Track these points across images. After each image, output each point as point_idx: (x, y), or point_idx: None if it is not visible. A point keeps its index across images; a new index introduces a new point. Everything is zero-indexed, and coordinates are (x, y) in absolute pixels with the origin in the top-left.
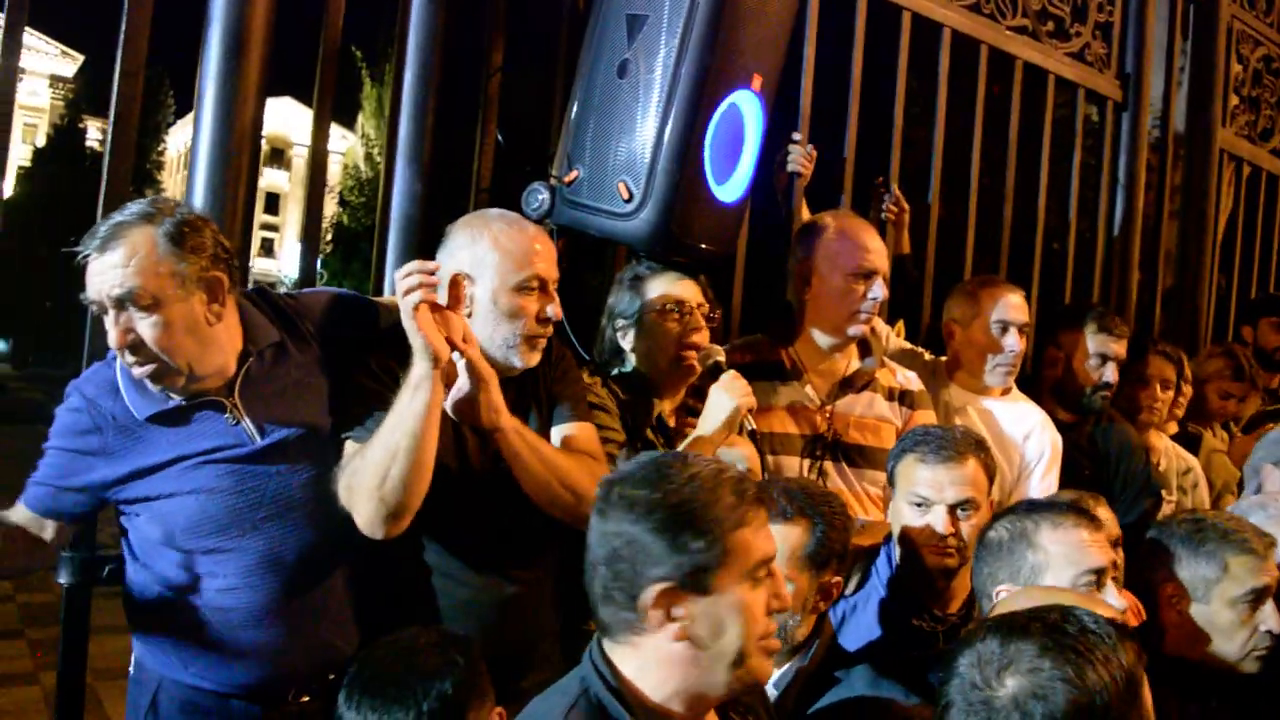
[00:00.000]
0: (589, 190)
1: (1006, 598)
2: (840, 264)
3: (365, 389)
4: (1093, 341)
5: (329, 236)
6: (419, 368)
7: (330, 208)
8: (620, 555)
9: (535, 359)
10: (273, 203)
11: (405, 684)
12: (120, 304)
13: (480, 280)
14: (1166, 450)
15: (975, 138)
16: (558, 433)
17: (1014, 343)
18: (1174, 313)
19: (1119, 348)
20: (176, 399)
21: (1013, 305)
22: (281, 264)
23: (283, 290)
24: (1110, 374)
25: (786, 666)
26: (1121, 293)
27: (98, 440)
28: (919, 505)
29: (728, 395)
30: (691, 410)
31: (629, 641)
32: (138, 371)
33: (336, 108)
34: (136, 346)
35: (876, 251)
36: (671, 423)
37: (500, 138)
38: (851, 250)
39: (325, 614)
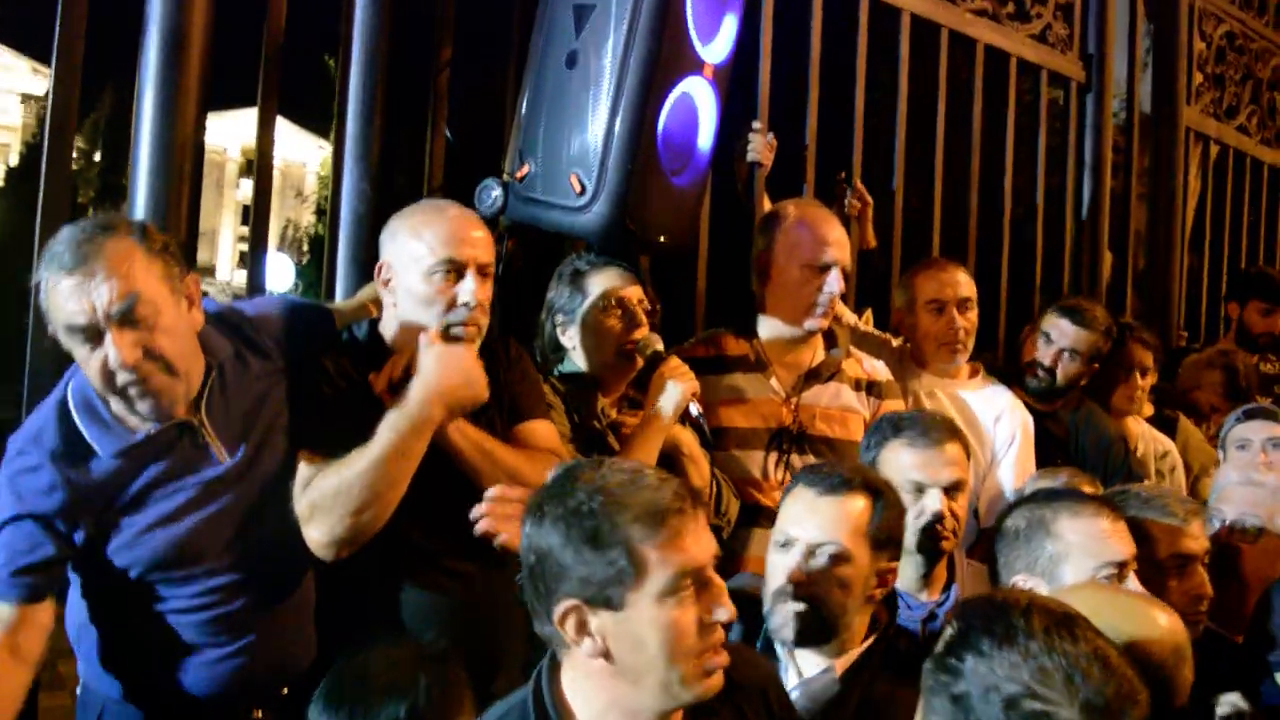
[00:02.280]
0: (542, 185)
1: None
2: (797, 255)
3: (323, 397)
4: (1046, 321)
5: (304, 246)
6: (429, 412)
7: (306, 218)
8: (534, 570)
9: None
10: (248, 213)
11: (361, 703)
12: (125, 319)
13: (400, 269)
14: (1144, 435)
15: (938, 122)
16: (519, 431)
17: (955, 320)
18: (1145, 294)
19: (1071, 332)
20: (143, 430)
21: (945, 283)
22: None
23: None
24: (1048, 356)
25: (825, 666)
26: (1092, 275)
27: (63, 496)
28: (914, 490)
29: (673, 382)
30: (633, 401)
31: (561, 655)
32: (142, 393)
33: (317, 115)
34: (148, 364)
35: (835, 243)
36: (613, 414)
37: (449, 134)
38: (809, 241)
39: (285, 627)
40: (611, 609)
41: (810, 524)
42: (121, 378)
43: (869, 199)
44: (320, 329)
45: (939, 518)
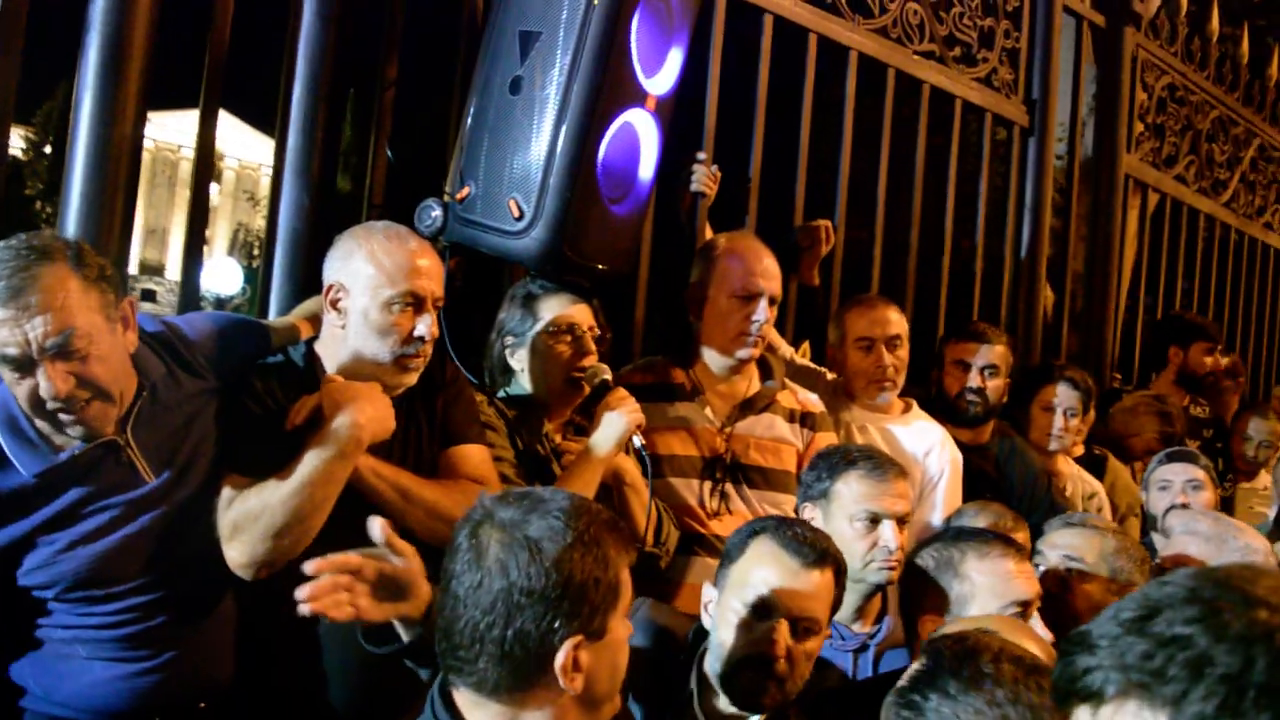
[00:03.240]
0: (482, 207)
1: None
2: (726, 285)
3: (251, 416)
4: (951, 352)
5: (256, 250)
6: (354, 438)
7: (259, 221)
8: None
9: (406, 379)
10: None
11: None
12: (59, 352)
13: (354, 293)
14: (1072, 475)
15: (882, 160)
16: (450, 455)
17: (882, 358)
18: (1082, 335)
19: (980, 350)
20: (68, 451)
21: (875, 321)
22: (208, 279)
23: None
24: (973, 379)
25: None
26: (1028, 314)
27: None
28: (869, 521)
29: (617, 414)
30: (578, 427)
31: (526, 697)
32: (73, 421)
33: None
34: (80, 392)
35: (763, 274)
36: (558, 439)
37: (390, 153)
38: (738, 271)
39: (204, 644)
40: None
41: (797, 597)
42: (52, 405)
43: (832, 239)
44: (254, 346)
45: (891, 550)
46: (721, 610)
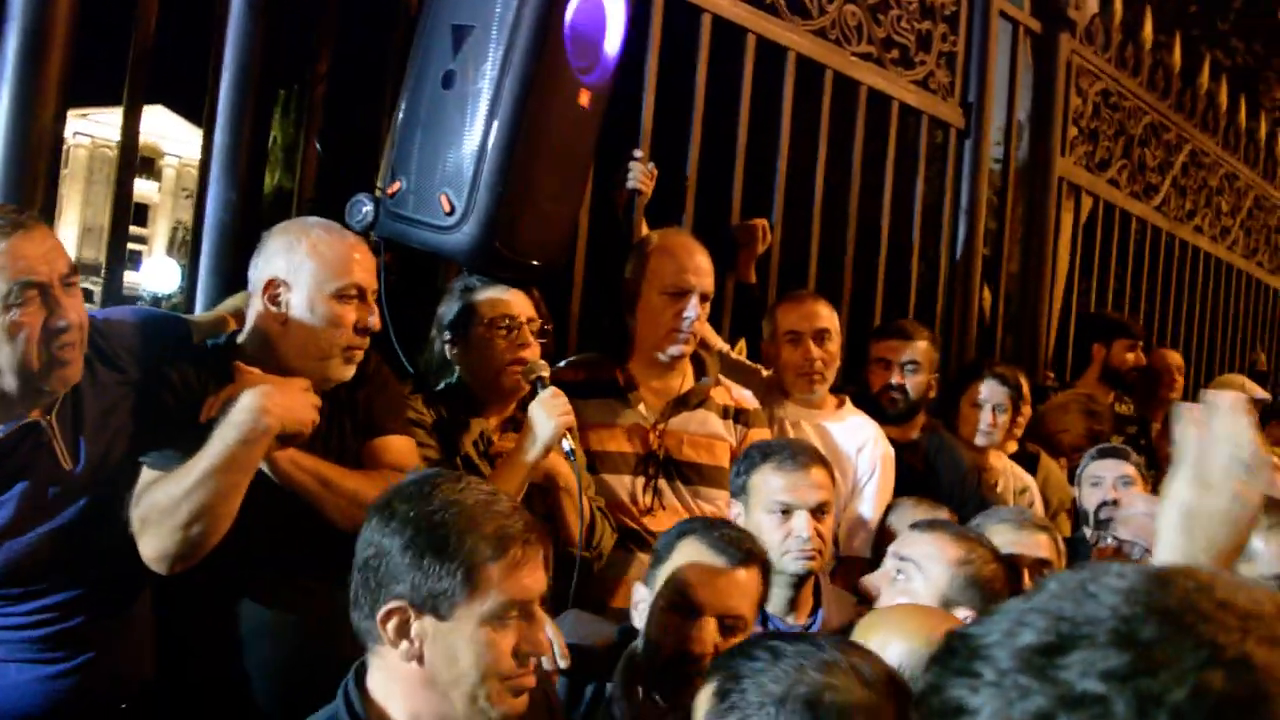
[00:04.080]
0: (414, 203)
1: (866, 618)
2: (656, 281)
3: (165, 407)
4: (874, 349)
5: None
6: (259, 422)
7: None
8: (370, 564)
9: (349, 372)
10: (140, 213)
11: None
12: (70, 285)
13: (296, 287)
14: (1005, 470)
15: (819, 161)
16: (373, 447)
17: (810, 352)
18: (1016, 334)
19: (900, 347)
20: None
21: (803, 315)
22: (146, 277)
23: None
24: (894, 376)
25: None
26: (964, 314)
27: None
28: (782, 513)
29: (545, 414)
30: (519, 424)
31: (374, 652)
32: (66, 360)
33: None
34: (79, 331)
35: (694, 270)
36: (496, 439)
37: (319, 146)
38: (668, 268)
39: (123, 643)
40: (438, 617)
41: (722, 595)
42: (63, 339)
43: (769, 238)
44: (175, 340)
45: (805, 539)
46: (652, 609)
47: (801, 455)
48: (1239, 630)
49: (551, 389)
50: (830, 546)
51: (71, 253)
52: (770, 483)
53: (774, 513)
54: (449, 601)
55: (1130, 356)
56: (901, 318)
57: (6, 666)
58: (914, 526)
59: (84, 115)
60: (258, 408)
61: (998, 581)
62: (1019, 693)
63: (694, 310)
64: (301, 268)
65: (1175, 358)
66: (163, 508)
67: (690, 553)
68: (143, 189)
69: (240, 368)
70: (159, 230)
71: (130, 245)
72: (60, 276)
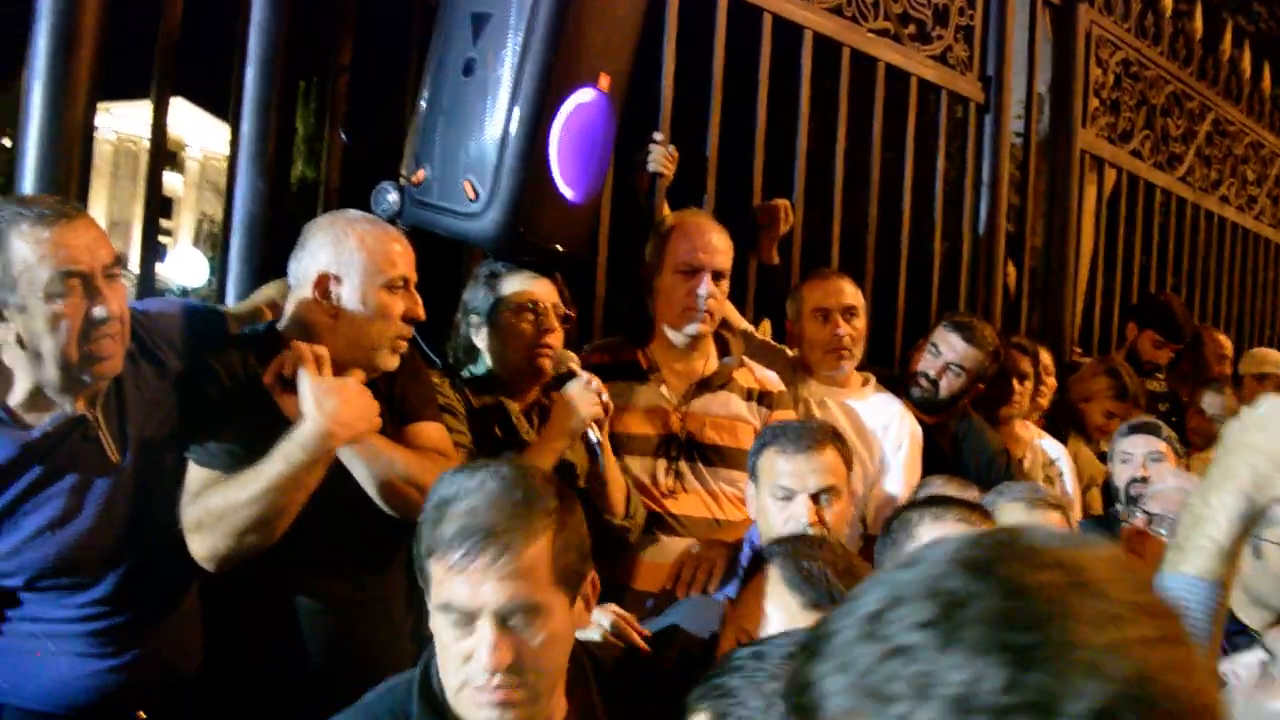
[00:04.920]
0: (438, 190)
1: None
2: (670, 260)
3: (210, 401)
4: (936, 334)
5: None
6: (325, 444)
7: None
8: None
9: (395, 362)
10: (166, 206)
11: None
12: (111, 275)
13: (347, 279)
14: (1031, 443)
15: (839, 139)
16: (407, 431)
17: (839, 328)
18: (1041, 310)
19: (959, 347)
20: (40, 427)
21: (830, 291)
22: (172, 270)
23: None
24: (934, 368)
25: None
26: (988, 290)
27: None
28: (783, 497)
29: (574, 405)
30: (545, 410)
31: None
32: (106, 352)
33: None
34: (117, 322)
35: (705, 248)
36: (522, 424)
37: (345, 135)
38: (682, 247)
39: (170, 638)
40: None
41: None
42: (103, 330)
43: (791, 218)
44: (213, 332)
45: (805, 524)
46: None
47: (806, 438)
48: (1027, 567)
49: (585, 377)
50: (846, 528)
51: None
52: (774, 465)
53: (776, 496)
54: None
55: (1155, 353)
56: (928, 296)
57: (57, 659)
58: (928, 514)
59: (108, 110)
60: (324, 431)
61: None
62: (856, 653)
63: (706, 287)
64: (351, 261)
65: (1223, 343)
66: (220, 512)
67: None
68: (167, 182)
69: (296, 345)
70: (184, 223)
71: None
72: (103, 267)
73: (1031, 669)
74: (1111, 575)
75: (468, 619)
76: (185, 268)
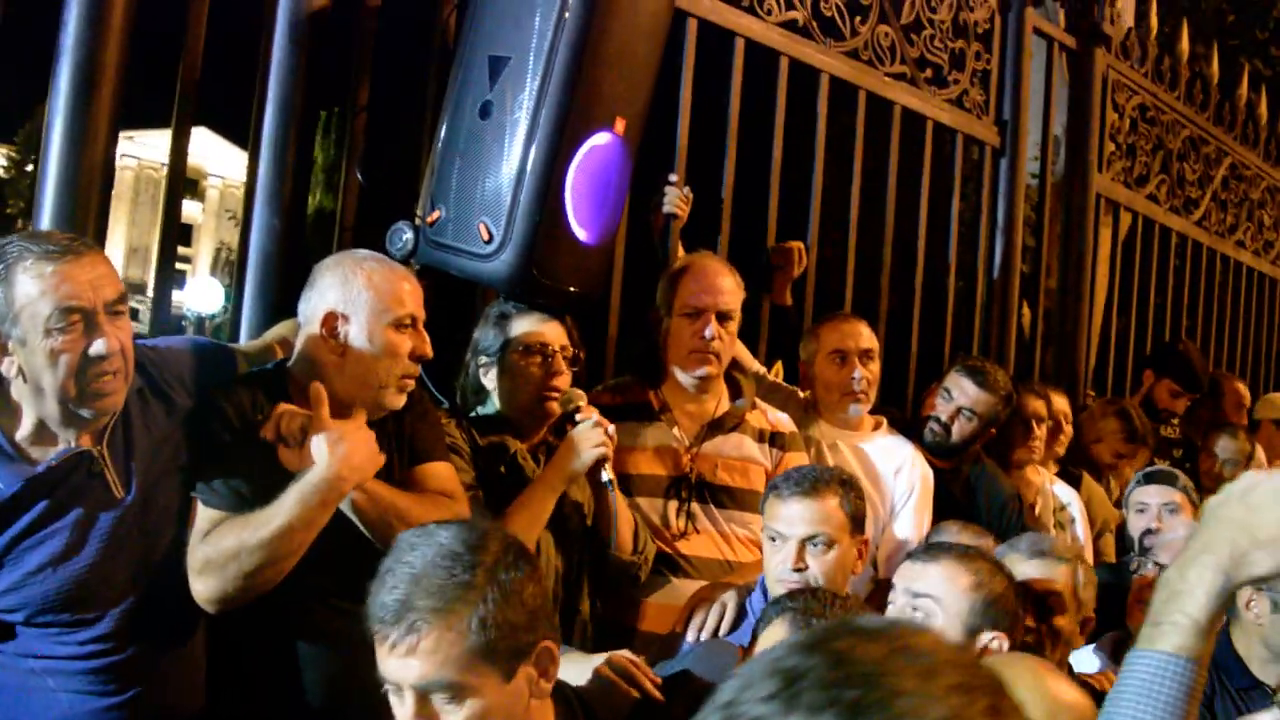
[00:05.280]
0: (452, 231)
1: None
2: (676, 302)
3: (220, 442)
4: (950, 378)
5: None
6: (336, 489)
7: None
8: None
9: (402, 400)
10: (185, 234)
11: None
12: (115, 311)
13: (354, 318)
14: (1042, 489)
15: (854, 181)
16: (417, 472)
17: (855, 371)
18: (1056, 353)
19: (971, 392)
20: (44, 462)
21: (848, 334)
22: (190, 297)
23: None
24: (946, 412)
25: None
26: (1002, 332)
27: None
28: (773, 540)
29: (577, 447)
30: (552, 449)
31: None
32: (104, 390)
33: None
34: (119, 359)
35: (709, 289)
36: (528, 464)
37: (360, 176)
38: (689, 289)
39: (173, 679)
40: None
41: None
42: (99, 367)
43: (805, 260)
44: (224, 371)
45: (787, 569)
46: None
47: (804, 484)
48: (855, 640)
49: (594, 418)
50: (844, 577)
51: (120, 273)
52: (772, 509)
53: (770, 540)
54: None
55: (1172, 402)
56: (941, 340)
57: (59, 696)
58: (912, 557)
59: (129, 138)
60: (337, 475)
61: (1009, 595)
62: None
63: (711, 330)
64: (359, 299)
65: (1242, 392)
66: (231, 553)
67: (776, 634)
68: (187, 210)
69: (316, 387)
70: (203, 250)
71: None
72: (105, 304)
73: (860, 717)
74: (934, 643)
75: (398, 691)
76: (203, 295)
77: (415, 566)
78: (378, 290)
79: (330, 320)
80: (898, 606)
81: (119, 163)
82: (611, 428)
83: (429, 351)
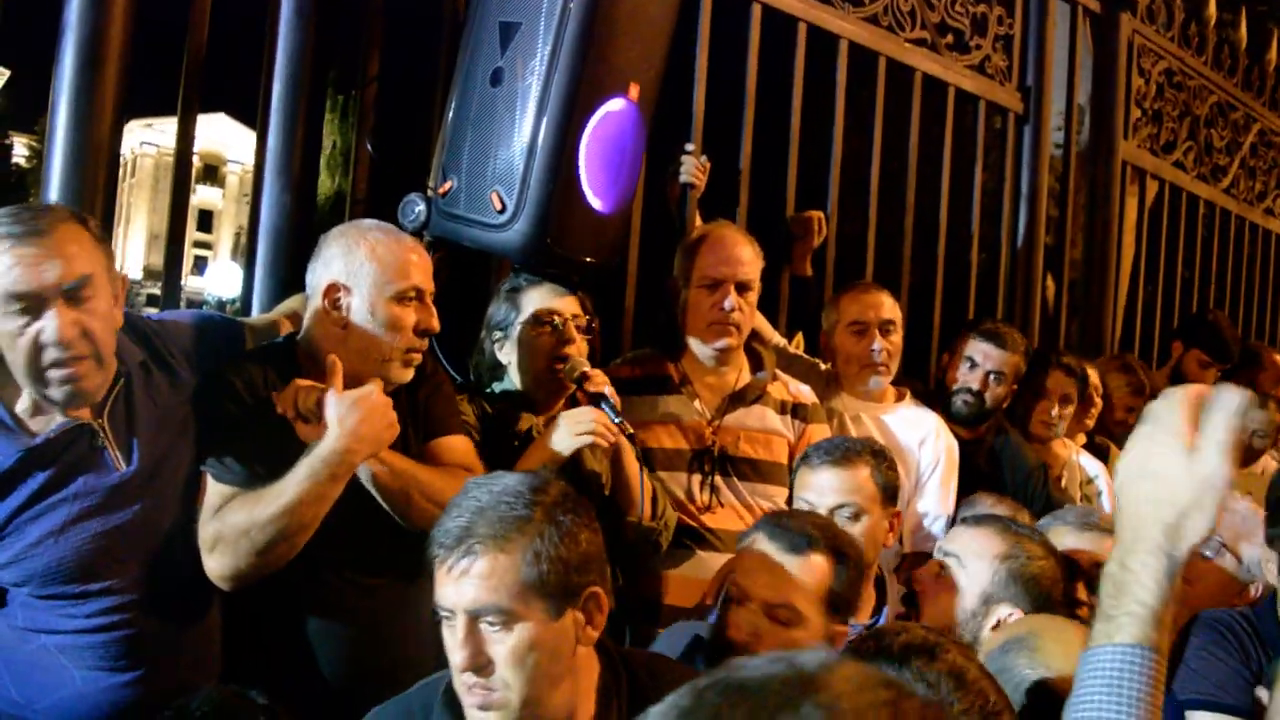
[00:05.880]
0: (465, 201)
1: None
2: (694, 273)
3: (229, 416)
4: (968, 346)
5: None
6: (347, 460)
7: None
8: None
9: (409, 375)
10: (206, 220)
11: None
12: (71, 296)
13: (357, 290)
14: (1069, 461)
15: (875, 149)
16: (433, 446)
17: (875, 342)
18: (1081, 323)
19: (995, 355)
20: (43, 434)
21: (868, 305)
22: (210, 282)
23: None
24: (975, 380)
25: None
26: (1026, 304)
27: None
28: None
29: (565, 429)
30: None
31: None
32: (66, 377)
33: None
34: (82, 344)
35: (727, 260)
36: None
37: (371, 148)
38: (707, 260)
39: (187, 654)
40: None
41: (766, 580)
42: (52, 354)
43: (825, 230)
44: (231, 344)
45: None
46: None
47: (835, 454)
48: (739, 668)
49: (585, 409)
50: (875, 549)
51: (139, 259)
52: (802, 479)
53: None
54: None
55: (1202, 373)
56: (964, 309)
57: (71, 673)
58: (963, 521)
59: (149, 125)
60: (350, 447)
61: (1045, 579)
62: None
63: (731, 300)
64: (361, 271)
65: (1279, 363)
66: (241, 529)
67: (753, 541)
68: (208, 196)
69: (332, 359)
70: (224, 236)
71: (197, 251)
72: (63, 288)
73: None
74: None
75: (450, 617)
76: (224, 280)
77: (480, 500)
78: (381, 262)
79: (332, 291)
80: (932, 561)
81: (139, 150)
82: (615, 403)
83: (436, 325)
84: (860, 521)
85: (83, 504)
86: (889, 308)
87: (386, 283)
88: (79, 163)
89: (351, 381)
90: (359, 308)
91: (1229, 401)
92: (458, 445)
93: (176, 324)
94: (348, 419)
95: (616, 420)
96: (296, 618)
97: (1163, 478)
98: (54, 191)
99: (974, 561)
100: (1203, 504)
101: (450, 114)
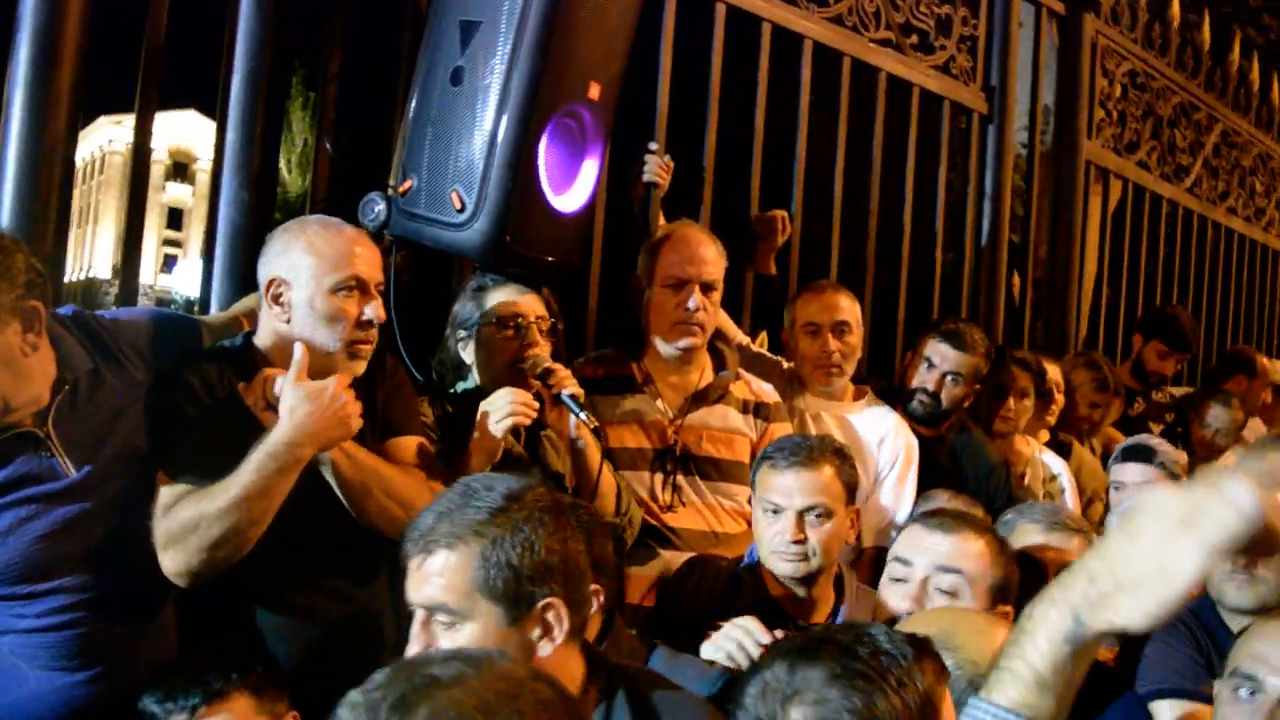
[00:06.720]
0: (425, 200)
1: (908, 619)
2: (658, 273)
3: (185, 415)
4: (927, 347)
5: None
6: (295, 454)
7: None
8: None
9: (356, 368)
10: (175, 217)
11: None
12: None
13: (296, 284)
14: (1032, 459)
15: (839, 150)
16: (389, 446)
17: (828, 344)
18: (1045, 322)
19: (952, 356)
20: None
21: (823, 306)
22: (179, 281)
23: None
24: (931, 381)
25: None
26: (990, 302)
27: None
28: (771, 511)
29: (490, 417)
30: (535, 424)
31: None
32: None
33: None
34: None
35: (691, 260)
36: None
37: (330, 146)
38: (670, 259)
39: (143, 648)
40: None
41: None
42: None
43: (789, 229)
44: (187, 342)
45: (788, 541)
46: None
47: (800, 454)
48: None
49: (503, 390)
50: (842, 546)
51: (107, 259)
52: (766, 480)
53: (766, 511)
54: None
55: (1161, 364)
56: (929, 308)
57: (26, 673)
58: (925, 526)
59: (119, 122)
60: (297, 439)
61: (1015, 568)
62: None
63: (695, 300)
64: (299, 265)
65: (1275, 372)
66: (190, 526)
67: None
68: (178, 193)
69: (302, 349)
70: (194, 234)
71: (167, 249)
72: None
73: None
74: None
75: (413, 612)
76: (192, 279)
77: (454, 501)
78: (319, 254)
79: (273, 286)
80: (918, 570)
81: (109, 148)
82: (578, 395)
83: (381, 315)
84: (830, 522)
85: (29, 508)
86: (845, 309)
87: (324, 274)
88: (33, 161)
89: (315, 377)
90: (299, 301)
91: (1239, 500)
92: (412, 445)
93: (131, 322)
94: (298, 410)
95: (581, 415)
96: (251, 617)
97: (1130, 539)
98: (8, 189)
99: (977, 572)
100: (1143, 591)
101: (411, 113)
